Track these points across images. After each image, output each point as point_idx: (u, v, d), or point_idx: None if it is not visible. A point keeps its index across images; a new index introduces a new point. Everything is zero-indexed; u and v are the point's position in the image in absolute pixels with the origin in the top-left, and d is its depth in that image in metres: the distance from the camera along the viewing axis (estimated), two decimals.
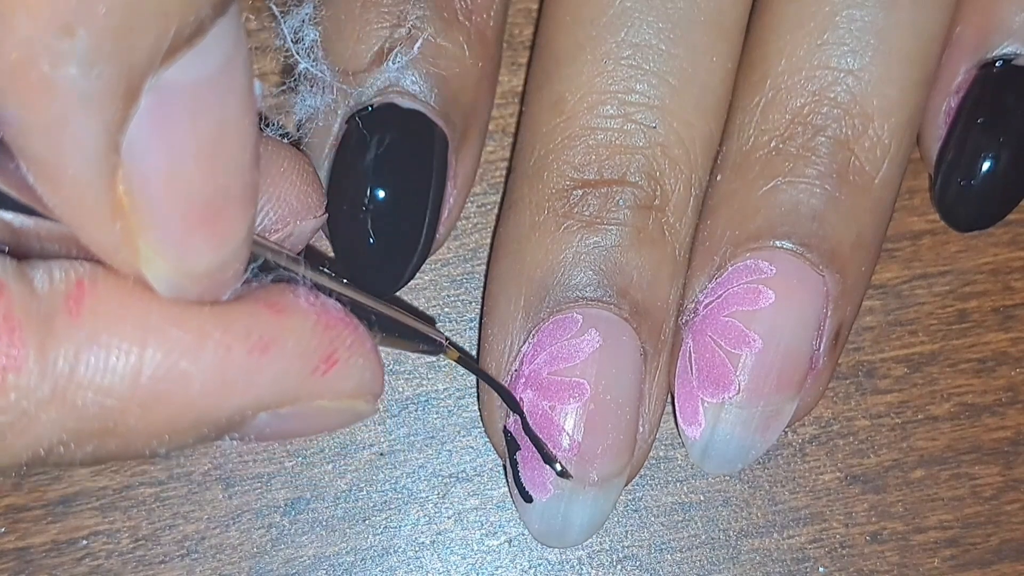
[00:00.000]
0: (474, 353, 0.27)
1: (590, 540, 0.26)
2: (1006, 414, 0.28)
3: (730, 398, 0.24)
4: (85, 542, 0.26)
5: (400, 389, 0.27)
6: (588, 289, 0.24)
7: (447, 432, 0.27)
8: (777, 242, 0.24)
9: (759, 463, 0.27)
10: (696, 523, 0.27)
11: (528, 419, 0.24)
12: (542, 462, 0.24)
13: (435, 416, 0.27)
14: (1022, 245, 0.28)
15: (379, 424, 0.26)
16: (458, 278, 0.27)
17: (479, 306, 0.27)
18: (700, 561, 0.27)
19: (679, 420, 0.25)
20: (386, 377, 0.27)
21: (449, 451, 0.27)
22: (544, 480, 0.24)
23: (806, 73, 0.24)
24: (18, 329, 0.14)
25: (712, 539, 0.27)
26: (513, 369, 0.24)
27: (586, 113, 0.24)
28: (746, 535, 0.27)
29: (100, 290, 0.14)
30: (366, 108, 0.24)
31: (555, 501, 0.24)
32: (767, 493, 0.27)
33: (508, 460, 0.25)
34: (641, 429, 0.24)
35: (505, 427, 0.24)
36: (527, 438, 0.24)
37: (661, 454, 0.27)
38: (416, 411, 0.27)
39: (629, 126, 0.24)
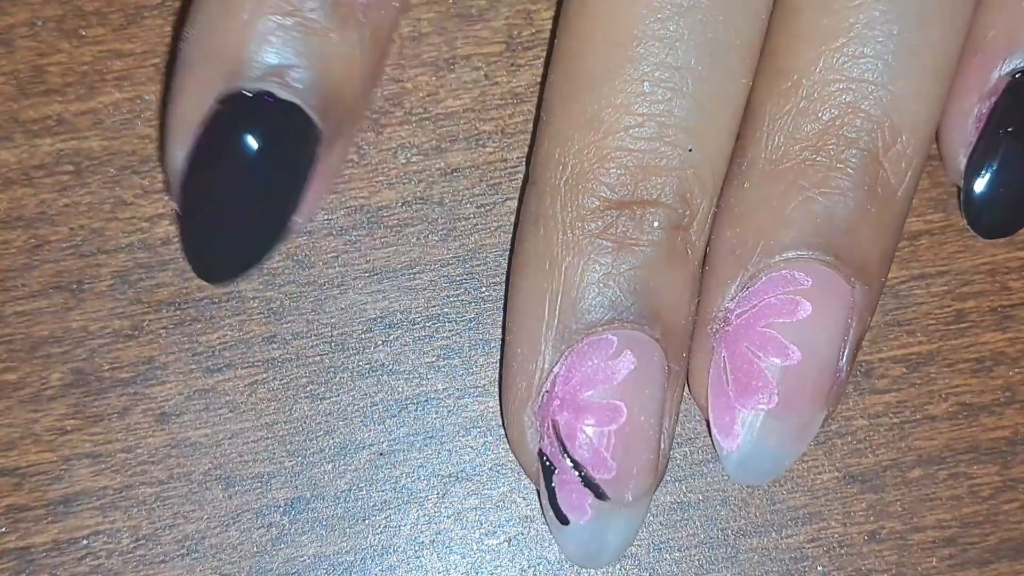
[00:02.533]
0: (497, 371, 0.27)
1: None
2: (1003, 414, 0.28)
3: (768, 410, 0.24)
4: (86, 542, 0.26)
5: (400, 389, 0.27)
6: (623, 310, 0.24)
7: (447, 432, 0.27)
8: (812, 253, 0.24)
9: None
10: (695, 522, 0.27)
11: (567, 442, 0.24)
12: (579, 484, 0.24)
13: (434, 416, 0.27)
14: (1020, 246, 0.28)
15: (379, 424, 0.27)
16: (457, 278, 0.27)
17: (478, 306, 0.27)
18: (699, 560, 0.27)
19: (714, 432, 0.25)
20: (385, 377, 0.27)
21: (448, 451, 0.27)
22: (582, 502, 0.24)
23: (842, 85, 0.24)
24: None
25: (711, 538, 0.27)
26: (545, 390, 0.24)
27: (622, 133, 0.23)
28: (744, 534, 0.27)
29: None
30: (241, 92, 0.23)
31: (593, 523, 0.24)
32: (765, 492, 0.27)
33: (544, 484, 0.24)
34: (663, 445, 0.25)
35: (540, 450, 0.24)
36: (565, 461, 0.24)
37: None
38: (416, 411, 0.27)
39: (665, 148, 0.23)
